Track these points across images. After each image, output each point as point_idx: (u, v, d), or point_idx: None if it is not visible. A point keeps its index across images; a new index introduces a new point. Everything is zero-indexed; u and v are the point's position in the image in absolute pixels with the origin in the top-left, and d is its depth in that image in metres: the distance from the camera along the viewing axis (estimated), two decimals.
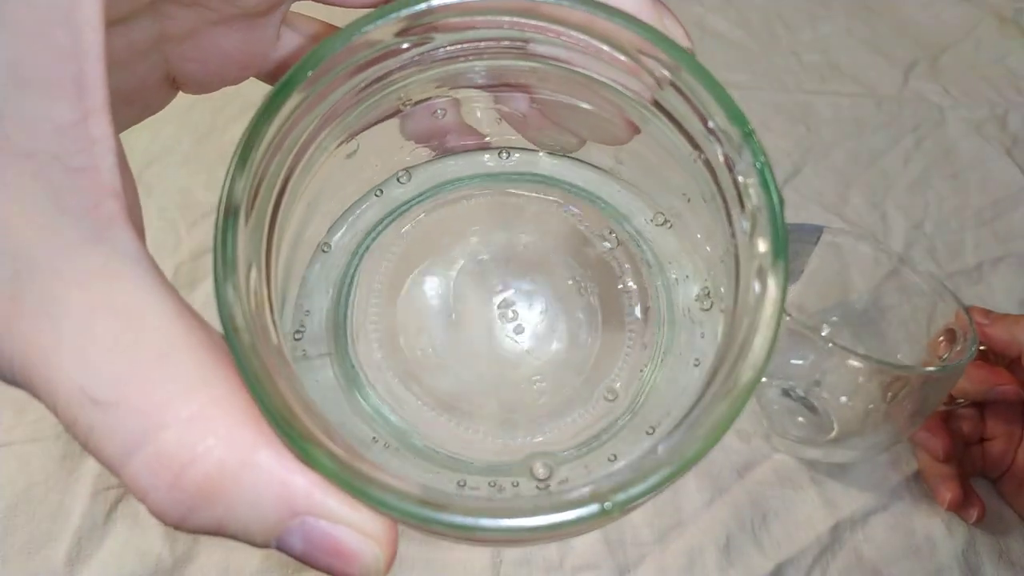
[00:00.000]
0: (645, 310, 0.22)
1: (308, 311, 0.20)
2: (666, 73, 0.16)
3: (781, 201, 0.15)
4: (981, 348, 0.36)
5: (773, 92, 0.55)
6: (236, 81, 0.19)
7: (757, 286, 0.14)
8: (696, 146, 0.16)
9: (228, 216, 0.14)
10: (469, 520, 0.12)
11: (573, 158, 0.22)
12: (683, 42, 0.16)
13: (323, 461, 0.12)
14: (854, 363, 0.32)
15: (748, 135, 0.15)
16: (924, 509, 0.38)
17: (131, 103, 0.17)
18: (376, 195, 0.23)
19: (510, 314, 0.23)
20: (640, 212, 0.23)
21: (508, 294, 0.23)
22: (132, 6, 0.15)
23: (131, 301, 0.12)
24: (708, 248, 0.19)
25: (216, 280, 0.13)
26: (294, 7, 0.18)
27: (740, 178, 0.15)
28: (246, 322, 0.13)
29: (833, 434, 0.36)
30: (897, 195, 0.50)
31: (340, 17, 0.17)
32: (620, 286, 0.23)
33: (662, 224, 0.22)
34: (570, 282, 0.23)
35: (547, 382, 0.22)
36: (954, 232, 0.48)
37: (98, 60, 0.12)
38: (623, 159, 0.22)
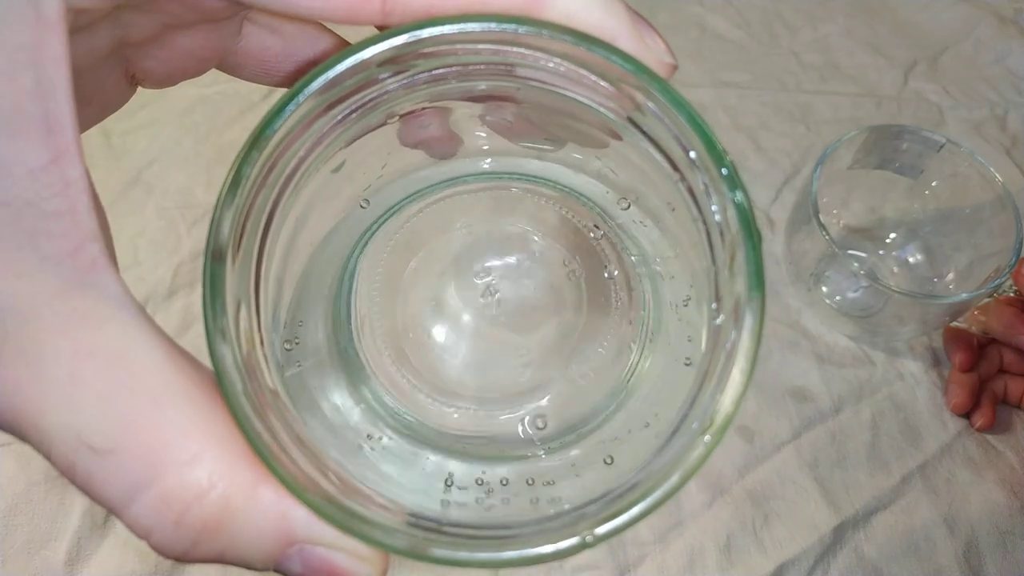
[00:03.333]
0: (629, 292, 0.23)
1: (302, 321, 0.21)
2: (648, 103, 0.16)
3: (759, 236, 0.15)
4: (1014, 292, 0.39)
5: (773, 92, 0.55)
6: (197, 74, 0.18)
7: (733, 333, 0.14)
8: (677, 170, 0.16)
9: (216, 260, 0.14)
10: (449, 554, 0.13)
11: (559, 162, 0.22)
12: (665, 58, 0.16)
13: (315, 502, 0.13)
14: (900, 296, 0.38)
15: (727, 169, 0.15)
16: (925, 509, 0.38)
17: (89, 103, 0.17)
18: (363, 206, 0.23)
19: (498, 297, 0.23)
20: (625, 213, 0.23)
21: (497, 279, 0.23)
22: (91, 17, 0.14)
23: (120, 345, 0.12)
24: (694, 257, 0.19)
25: (207, 326, 0.13)
26: None
27: (717, 211, 0.15)
28: (236, 365, 0.13)
29: (884, 308, 0.40)
30: (897, 196, 0.50)
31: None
32: (606, 274, 0.23)
33: (647, 224, 0.23)
34: (557, 267, 0.23)
35: (533, 359, 0.22)
36: (950, 234, 0.48)
37: (66, 99, 0.11)
38: (610, 164, 0.22)
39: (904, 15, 0.61)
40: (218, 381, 0.13)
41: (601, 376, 0.22)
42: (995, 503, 0.38)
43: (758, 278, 0.14)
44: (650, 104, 0.16)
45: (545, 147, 0.21)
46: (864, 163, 0.44)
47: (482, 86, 0.18)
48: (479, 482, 0.20)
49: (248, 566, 0.13)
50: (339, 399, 0.21)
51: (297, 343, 0.20)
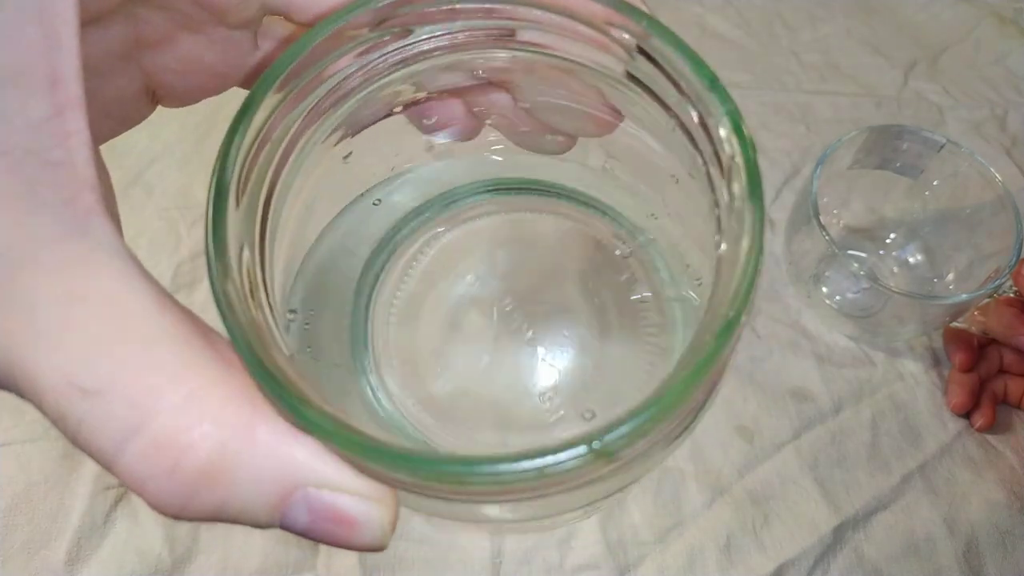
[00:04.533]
0: (660, 315, 0.22)
1: (313, 310, 0.21)
2: (633, 40, 0.16)
3: (752, 144, 0.15)
4: (1014, 292, 0.39)
5: (773, 92, 0.55)
6: (216, 92, 0.19)
7: (735, 224, 0.14)
8: (672, 113, 0.16)
9: (218, 196, 0.14)
10: (460, 467, 0.12)
11: (568, 160, 0.22)
12: (639, 6, 0.16)
13: (318, 421, 0.12)
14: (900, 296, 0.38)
15: (712, 83, 0.15)
16: (925, 509, 0.38)
17: (109, 115, 0.17)
18: (375, 204, 0.23)
19: (523, 329, 0.23)
20: (638, 208, 0.23)
21: (521, 311, 0.23)
22: (104, 4, 0.15)
23: (113, 290, 0.12)
24: (700, 230, 0.19)
25: (207, 254, 0.13)
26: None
27: (712, 128, 0.15)
28: (236, 293, 0.13)
29: (883, 308, 0.40)
30: (897, 196, 0.50)
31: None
32: (635, 297, 0.23)
33: (658, 218, 0.23)
34: (583, 294, 0.23)
35: (558, 394, 0.22)
36: (950, 234, 0.48)
37: (72, 55, 0.12)
38: (614, 153, 0.22)
39: (904, 15, 0.61)
40: (218, 309, 0.13)
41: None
42: (995, 503, 0.38)
43: (756, 182, 0.14)
44: (634, 40, 0.16)
45: (549, 146, 0.21)
46: (864, 163, 0.44)
47: (476, 57, 0.18)
48: None
49: (253, 519, 0.12)
50: (354, 408, 0.21)
51: (307, 327, 0.20)
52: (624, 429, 0.12)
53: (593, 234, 0.23)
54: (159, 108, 0.19)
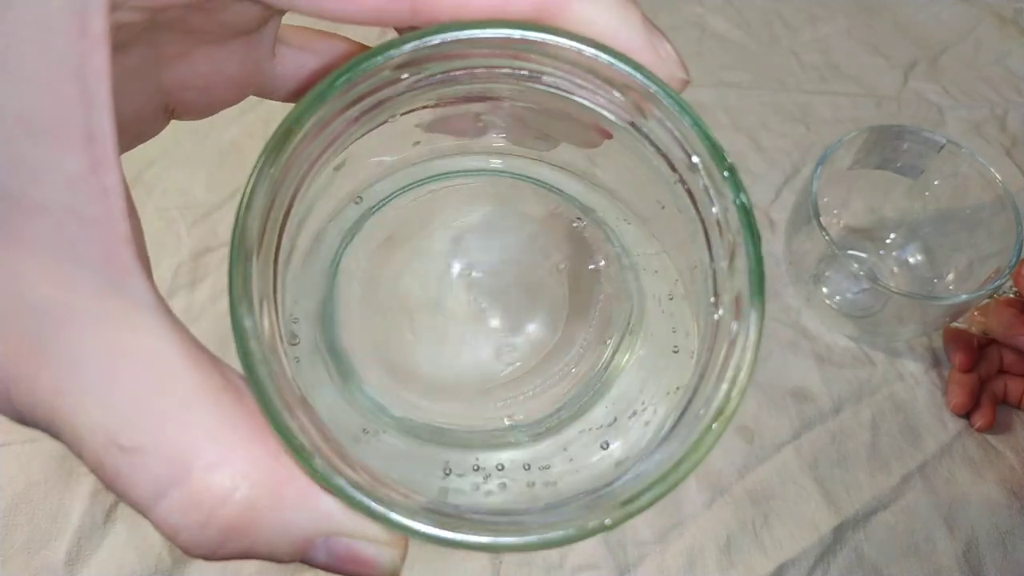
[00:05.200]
0: (612, 284, 0.23)
1: (296, 319, 0.21)
2: (653, 108, 0.16)
3: (759, 239, 0.15)
4: (1014, 292, 0.39)
5: (773, 92, 0.55)
6: (234, 102, 0.19)
7: (735, 326, 0.15)
8: (676, 172, 0.17)
9: (246, 258, 0.14)
10: (473, 538, 0.13)
11: (549, 162, 0.22)
12: (678, 73, 0.16)
13: (348, 493, 0.13)
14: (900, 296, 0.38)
15: (729, 172, 0.15)
16: (925, 509, 0.38)
17: (125, 132, 0.17)
18: (356, 202, 0.23)
19: (482, 291, 0.23)
20: (610, 211, 0.23)
21: (480, 273, 0.23)
22: (126, 35, 0.15)
23: (151, 348, 0.12)
24: (680, 255, 0.20)
25: (236, 325, 0.13)
26: (286, 19, 0.18)
27: (718, 211, 0.15)
28: (264, 362, 0.13)
29: (883, 309, 0.40)
30: (897, 196, 0.50)
31: (335, 25, 0.17)
32: (591, 265, 0.23)
33: (629, 221, 0.23)
34: (542, 260, 0.24)
35: (518, 355, 0.23)
36: (950, 234, 0.48)
37: (106, 111, 0.12)
38: (598, 162, 0.22)
39: (904, 15, 0.61)
40: (249, 380, 0.13)
41: (580, 366, 0.22)
42: (995, 503, 0.38)
43: (759, 276, 0.15)
44: (656, 111, 0.16)
45: (536, 148, 0.22)
46: (864, 163, 0.44)
47: (488, 88, 0.19)
48: (475, 468, 0.20)
49: (275, 560, 0.13)
50: (331, 395, 0.21)
51: (296, 342, 0.20)
52: (631, 508, 0.14)
53: (554, 203, 0.24)
54: (149, 139, 0.19)
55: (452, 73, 0.17)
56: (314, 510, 0.13)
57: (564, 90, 0.17)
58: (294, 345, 0.20)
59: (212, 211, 0.46)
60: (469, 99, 0.20)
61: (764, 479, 0.39)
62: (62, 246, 0.12)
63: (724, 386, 0.14)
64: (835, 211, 0.47)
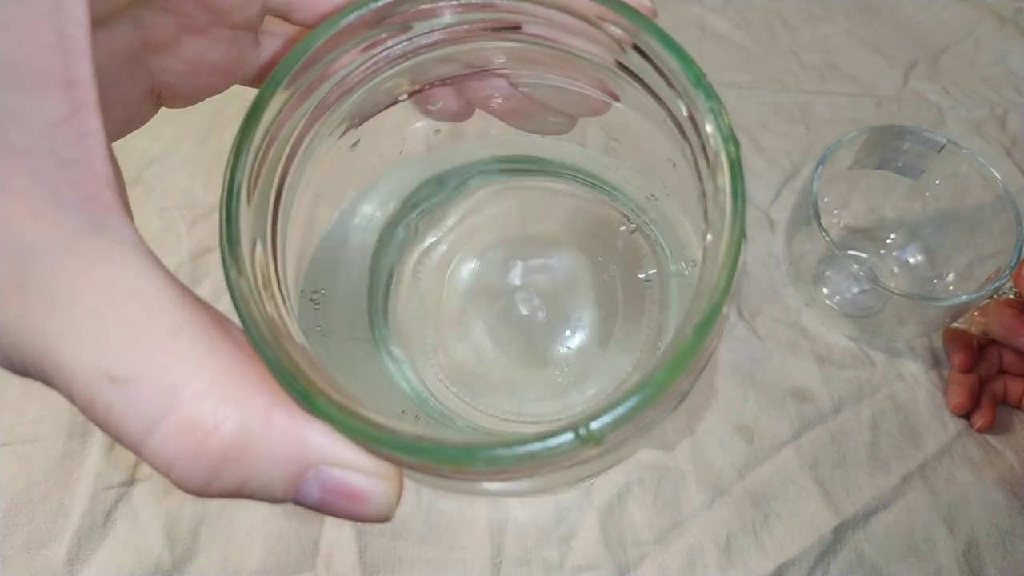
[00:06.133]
0: (661, 291, 0.23)
1: (324, 290, 0.21)
2: (627, 36, 0.16)
3: (735, 141, 0.15)
4: (1014, 293, 0.39)
5: (773, 92, 0.55)
6: (220, 90, 0.19)
7: (718, 217, 0.15)
8: (663, 104, 0.17)
9: (230, 195, 0.15)
10: (459, 454, 0.13)
11: (570, 141, 0.23)
12: (645, 4, 0.17)
13: (327, 410, 0.13)
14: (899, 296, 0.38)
15: (699, 80, 0.16)
16: (925, 509, 0.38)
17: (113, 117, 0.18)
18: (391, 197, 0.23)
19: (537, 304, 0.24)
20: (639, 188, 0.23)
21: (534, 287, 0.24)
22: (110, 8, 0.15)
23: (136, 284, 0.12)
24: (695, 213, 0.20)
25: (222, 252, 0.14)
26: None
27: (699, 123, 0.16)
28: (249, 287, 0.14)
29: (883, 309, 0.40)
30: (897, 196, 0.50)
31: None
32: (642, 275, 0.23)
33: (657, 198, 0.23)
34: (593, 270, 0.24)
35: (569, 365, 0.23)
36: (950, 234, 0.48)
37: (85, 56, 0.12)
38: (615, 135, 0.22)
39: (904, 15, 0.61)
40: (233, 303, 0.14)
41: (633, 375, 0.22)
42: (995, 503, 0.38)
43: (738, 179, 0.15)
44: (628, 37, 0.16)
45: (550, 127, 0.22)
46: (865, 163, 0.44)
47: (473, 48, 0.19)
48: None
49: (270, 496, 0.13)
50: (372, 378, 0.22)
51: (317, 308, 0.21)
52: (608, 417, 0.13)
53: (600, 211, 0.24)
54: (160, 109, 0.19)
55: (434, 31, 0.18)
56: (305, 437, 0.13)
57: (546, 38, 0.18)
58: (316, 307, 0.21)
59: (212, 211, 0.46)
60: (468, 75, 0.20)
61: (764, 479, 0.39)
62: (44, 188, 0.12)
63: (708, 292, 0.14)
64: (835, 211, 0.47)
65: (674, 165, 0.20)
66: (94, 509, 0.36)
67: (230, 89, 0.19)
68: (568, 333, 0.24)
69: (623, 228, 0.24)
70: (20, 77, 0.12)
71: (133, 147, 0.47)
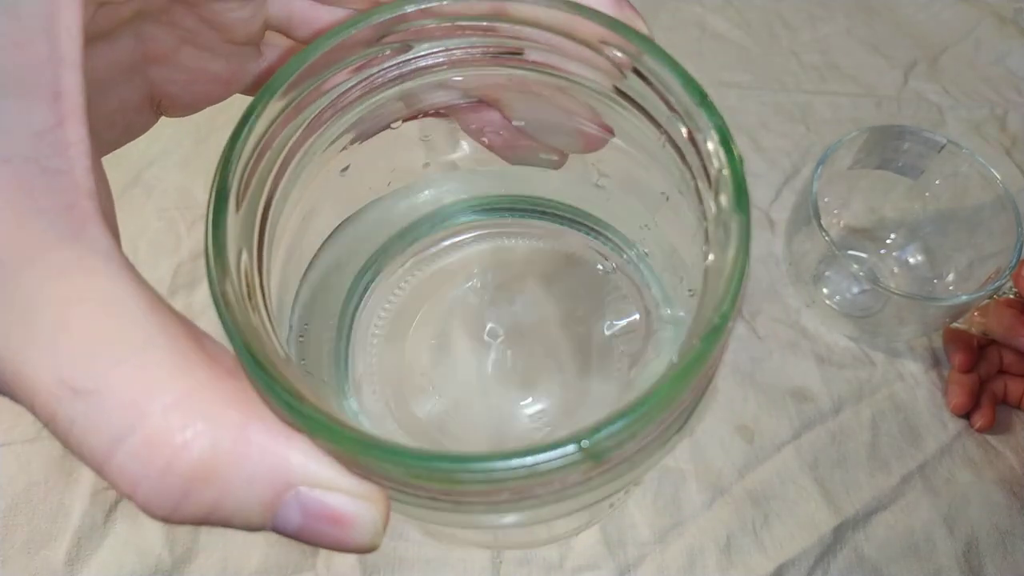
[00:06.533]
0: (644, 340, 0.22)
1: (307, 324, 0.21)
2: (626, 58, 0.16)
3: (740, 157, 0.15)
4: (1014, 293, 0.39)
5: (773, 92, 0.55)
6: (220, 99, 0.19)
7: (722, 234, 0.15)
8: (662, 129, 0.17)
9: (219, 199, 0.14)
10: (450, 464, 0.12)
11: (562, 174, 0.22)
12: (638, 24, 0.17)
13: (311, 415, 0.12)
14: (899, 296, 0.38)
15: (702, 99, 0.16)
16: (925, 509, 0.38)
17: (112, 125, 0.17)
18: (379, 223, 0.23)
19: (508, 355, 0.23)
20: (630, 220, 0.23)
21: (506, 337, 0.23)
22: (112, 22, 0.15)
23: (107, 293, 0.12)
24: (689, 247, 0.20)
25: (207, 255, 0.14)
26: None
27: (701, 143, 0.16)
28: (234, 293, 0.13)
29: (883, 309, 0.40)
30: (897, 196, 0.50)
31: None
32: (619, 322, 0.23)
33: (651, 229, 0.23)
34: (567, 319, 0.23)
35: (545, 419, 0.22)
36: (950, 234, 0.48)
37: (75, 69, 0.12)
38: (606, 171, 0.22)
39: (904, 15, 0.61)
40: (216, 308, 0.13)
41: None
42: (995, 503, 0.38)
43: (743, 194, 0.15)
44: (628, 60, 0.16)
45: (541, 162, 0.22)
46: (865, 163, 0.44)
47: (471, 74, 0.19)
48: None
49: (245, 523, 0.12)
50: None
51: (301, 340, 0.20)
52: (612, 428, 0.12)
53: (580, 254, 0.24)
54: (140, 135, 0.19)
55: (432, 54, 0.17)
56: (284, 456, 0.12)
57: (547, 65, 0.18)
58: (300, 338, 0.20)
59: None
60: (463, 107, 0.20)
61: (764, 479, 0.39)
62: (21, 196, 0.11)
63: (714, 306, 0.14)
64: (835, 211, 0.47)
65: (667, 199, 0.19)
66: (94, 509, 0.36)
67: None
68: (544, 386, 0.23)
69: (600, 267, 0.23)
70: (7, 85, 0.11)
71: (133, 148, 0.47)
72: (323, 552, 0.36)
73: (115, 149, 0.18)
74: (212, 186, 0.14)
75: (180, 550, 0.36)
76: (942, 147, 0.41)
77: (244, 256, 0.15)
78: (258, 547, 0.36)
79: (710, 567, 0.36)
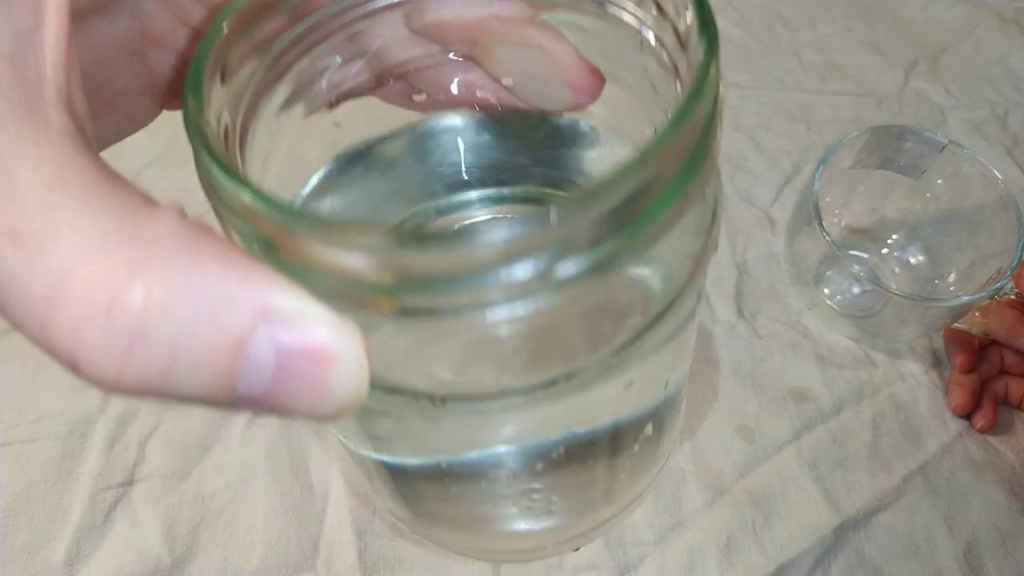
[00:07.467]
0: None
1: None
2: None
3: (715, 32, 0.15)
4: (1015, 294, 0.39)
5: (773, 92, 0.55)
6: None
7: (688, 55, 0.14)
8: (641, 23, 0.17)
9: (208, 46, 0.15)
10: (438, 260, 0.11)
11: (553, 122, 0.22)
12: None
13: (288, 209, 0.11)
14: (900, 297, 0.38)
15: None
16: (926, 509, 0.38)
17: (113, 109, 0.17)
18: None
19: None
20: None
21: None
22: None
23: (58, 159, 0.11)
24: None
25: (187, 78, 0.14)
26: None
27: (667, 11, 0.16)
28: (207, 123, 0.14)
29: (884, 310, 0.40)
30: (898, 197, 0.50)
31: None
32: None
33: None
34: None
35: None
36: (951, 235, 0.48)
37: None
38: (596, 114, 0.22)
39: (904, 15, 0.61)
40: (184, 125, 0.13)
41: None
42: (995, 503, 0.38)
43: (708, 16, 0.14)
44: None
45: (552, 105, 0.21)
46: (866, 163, 0.44)
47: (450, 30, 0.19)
48: None
49: (205, 387, 0.10)
50: None
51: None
52: (595, 197, 0.11)
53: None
54: (141, 126, 0.19)
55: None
56: (248, 286, 0.10)
57: None
58: None
59: (212, 211, 0.46)
60: (443, 64, 0.20)
61: (764, 479, 0.39)
62: None
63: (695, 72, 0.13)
64: (836, 211, 0.47)
65: (656, 131, 0.19)
66: (93, 509, 0.36)
67: None
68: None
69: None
70: None
71: (133, 147, 0.47)
72: (323, 552, 0.36)
73: (118, 140, 0.18)
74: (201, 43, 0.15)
75: (180, 550, 0.36)
76: (943, 147, 0.41)
77: (226, 114, 0.14)
78: (258, 547, 0.36)
79: (710, 567, 0.36)
